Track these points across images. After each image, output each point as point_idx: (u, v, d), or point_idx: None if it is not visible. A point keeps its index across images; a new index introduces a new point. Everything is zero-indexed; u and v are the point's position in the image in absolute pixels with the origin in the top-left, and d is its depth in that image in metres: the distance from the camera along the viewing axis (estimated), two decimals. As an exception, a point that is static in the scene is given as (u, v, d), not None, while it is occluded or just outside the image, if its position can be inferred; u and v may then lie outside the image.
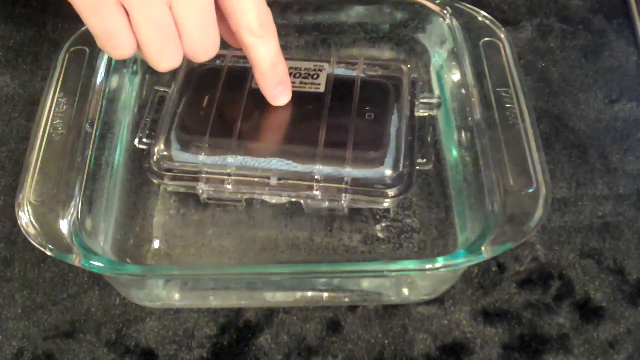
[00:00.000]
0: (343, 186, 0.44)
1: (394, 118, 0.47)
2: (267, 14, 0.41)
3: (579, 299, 0.46)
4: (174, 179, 0.46)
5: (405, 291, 0.46)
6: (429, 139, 0.47)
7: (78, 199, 0.41)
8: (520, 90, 0.45)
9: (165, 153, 0.46)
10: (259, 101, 0.46)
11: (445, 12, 0.50)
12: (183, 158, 0.45)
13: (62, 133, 0.44)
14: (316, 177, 0.44)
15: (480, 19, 0.49)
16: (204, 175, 0.45)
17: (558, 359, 0.44)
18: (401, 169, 0.44)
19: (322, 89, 0.47)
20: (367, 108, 0.47)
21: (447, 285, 0.46)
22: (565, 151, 0.52)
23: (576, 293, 0.46)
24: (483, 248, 0.39)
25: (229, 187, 0.45)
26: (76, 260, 0.39)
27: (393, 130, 0.46)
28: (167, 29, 0.39)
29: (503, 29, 0.48)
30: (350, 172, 0.44)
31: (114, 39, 0.39)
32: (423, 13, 0.51)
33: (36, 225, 0.40)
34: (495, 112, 0.44)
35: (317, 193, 0.44)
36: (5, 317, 0.46)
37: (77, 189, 0.42)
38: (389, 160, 0.44)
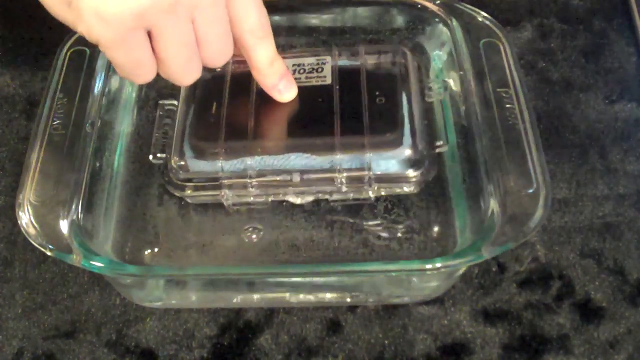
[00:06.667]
0: (366, 173, 0.44)
1: (404, 101, 0.47)
2: (266, 16, 0.42)
3: (579, 299, 0.46)
4: (195, 188, 0.45)
5: (405, 291, 0.46)
6: (441, 121, 0.48)
7: (78, 199, 0.41)
8: (520, 90, 0.45)
9: (182, 163, 0.45)
10: (268, 100, 0.46)
11: (445, 12, 0.50)
12: (201, 166, 0.45)
13: (62, 133, 0.44)
14: (338, 167, 0.44)
15: (480, 19, 0.49)
16: (225, 182, 0.45)
17: (558, 359, 0.44)
18: (420, 148, 0.44)
19: (328, 81, 0.48)
20: (377, 93, 0.47)
21: (447, 285, 0.46)
22: (565, 151, 0.52)
23: (576, 293, 0.46)
24: (483, 248, 0.39)
25: (252, 190, 0.45)
26: (76, 260, 0.39)
27: (405, 112, 0.46)
28: (192, 44, 0.39)
29: (503, 29, 0.48)
30: (370, 156, 0.44)
31: (140, 67, 0.39)
32: (422, 14, 0.51)
33: (36, 225, 0.40)
34: (495, 112, 0.44)
35: (342, 185, 0.44)
36: (5, 317, 0.46)
37: (77, 189, 0.42)
38: (407, 140, 0.45)
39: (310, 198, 0.46)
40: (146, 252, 0.46)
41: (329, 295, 0.46)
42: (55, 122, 0.44)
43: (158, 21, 0.37)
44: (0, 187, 0.51)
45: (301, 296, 0.46)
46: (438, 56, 0.52)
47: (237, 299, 0.46)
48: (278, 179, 0.45)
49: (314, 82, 0.48)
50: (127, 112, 0.51)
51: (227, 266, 0.46)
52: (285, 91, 0.46)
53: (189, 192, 0.46)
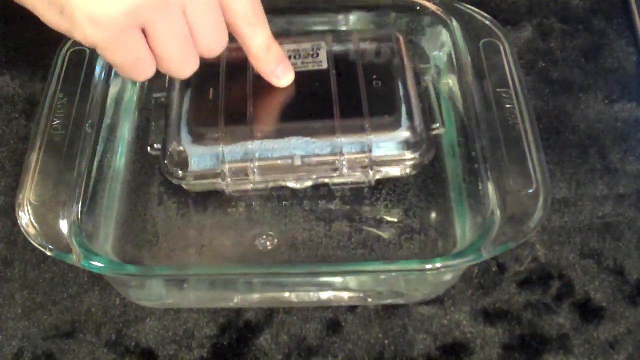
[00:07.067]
0: (366, 155, 0.44)
1: (400, 84, 0.47)
2: (259, 2, 0.43)
3: (579, 299, 0.46)
4: (195, 176, 0.45)
5: (405, 291, 0.46)
6: (435, 104, 0.48)
7: (78, 199, 0.41)
8: (520, 90, 0.45)
9: (181, 148, 0.45)
10: (265, 85, 0.46)
11: (445, 12, 0.50)
12: (201, 152, 0.45)
13: (62, 133, 0.44)
14: (338, 150, 0.44)
15: (480, 19, 0.49)
16: (226, 166, 0.45)
17: (558, 359, 0.44)
18: (418, 131, 0.45)
19: (325, 66, 0.48)
20: (374, 77, 0.47)
21: (447, 285, 0.46)
22: (565, 151, 0.52)
23: (576, 293, 0.46)
24: (483, 248, 0.39)
25: (254, 176, 0.45)
26: (76, 260, 0.39)
27: (402, 95, 0.46)
28: (187, 37, 0.40)
29: (503, 29, 0.48)
30: (370, 139, 0.44)
31: (139, 65, 0.40)
32: (422, 14, 0.51)
33: (36, 225, 0.40)
34: (495, 112, 0.44)
35: (343, 167, 0.44)
36: (5, 317, 0.46)
37: (77, 190, 0.42)
38: (405, 122, 0.45)
39: (309, 183, 0.46)
40: (146, 252, 0.46)
41: (329, 296, 0.46)
42: (55, 122, 0.44)
43: (151, 18, 0.37)
44: (0, 187, 0.51)
45: (301, 296, 0.46)
46: (438, 57, 0.52)
47: (237, 299, 0.46)
48: (279, 163, 0.45)
49: (310, 67, 0.48)
50: (127, 112, 0.51)
51: (227, 266, 0.46)
52: (283, 77, 0.46)
53: (189, 180, 0.45)
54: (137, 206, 0.48)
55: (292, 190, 0.48)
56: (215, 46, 0.42)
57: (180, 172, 0.45)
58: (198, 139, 0.45)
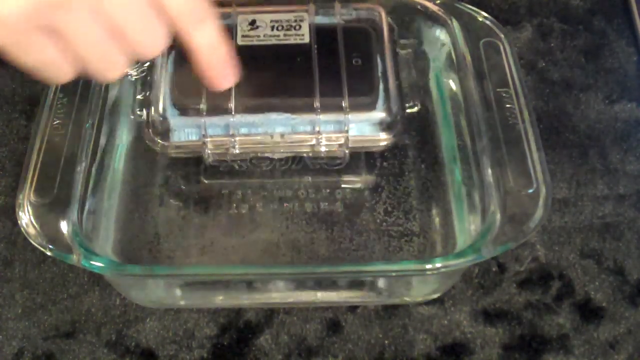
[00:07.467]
0: (343, 134, 0.45)
1: (379, 62, 0.47)
2: None
3: (579, 299, 0.46)
4: (177, 146, 0.46)
5: (405, 291, 0.46)
6: (414, 82, 0.49)
7: (78, 199, 0.41)
8: (520, 90, 0.45)
9: (163, 117, 0.45)
10: (248, 58, 0.45)
11: (445, 12, 0.50)
12: (183, 122, 0.45)
13: (62, 133, 0.44)
14: (317, 128, 0.45)
15: (480, 19, 0.49)
16: (208, 139, 0.45)
17: (558, 359, 0.44)
18: (394, 111, 0.45)
19: (306, 39, 0.48)
20: (354, 54, 0.47)
21: (447, 286, 0.46)
22: (565, 151, 0.52)
23: (576, 293, 0.46)
24: (483, 248, 0.39)
25: (235, 150, 0.45)
26: (76, 260, 0.39)
27: (380, 74, 0.47)
28: (103, 39, 0.34)
29: (503, 29, 0.48)
30: (348, 118, 0.45)
31: (50, 68, 0.35)
32: (422, 14, 0.51)
33: (36, 225, 0.40)
34: (495, 112, 0.44)
35: (321, 145, 0.45)
36: (5, 317, 0.46)
37: (77, 189, 0.42)
38: (381, 103, 0.46)
39: (286, 154, 0.47)
40: (146, 253, 0.46)
41: (329, 296, 0.46)
42: (55, 122, 0.44)
43: (53, 20, 0.33)
44: (0, 187, 0.51)
45: (301, 296, 0.46)
46: (438, 56, 0.52)
47: (237, 299, 0.46)
48: (259, 138, 0.45)
49: (292, 40, 0.48)
50: (128, 112, 0.51)
51: (228, 266, 0.46)
52: (221, 80, 0.40)
53: (170, 150, 0.46)
54: (138, 207, 0.48)
55: (294, 191, 0.48)
56: (147, 47, 0.36)
57: (161, 142, 0.45)
58: (180, 109, 0.45)
